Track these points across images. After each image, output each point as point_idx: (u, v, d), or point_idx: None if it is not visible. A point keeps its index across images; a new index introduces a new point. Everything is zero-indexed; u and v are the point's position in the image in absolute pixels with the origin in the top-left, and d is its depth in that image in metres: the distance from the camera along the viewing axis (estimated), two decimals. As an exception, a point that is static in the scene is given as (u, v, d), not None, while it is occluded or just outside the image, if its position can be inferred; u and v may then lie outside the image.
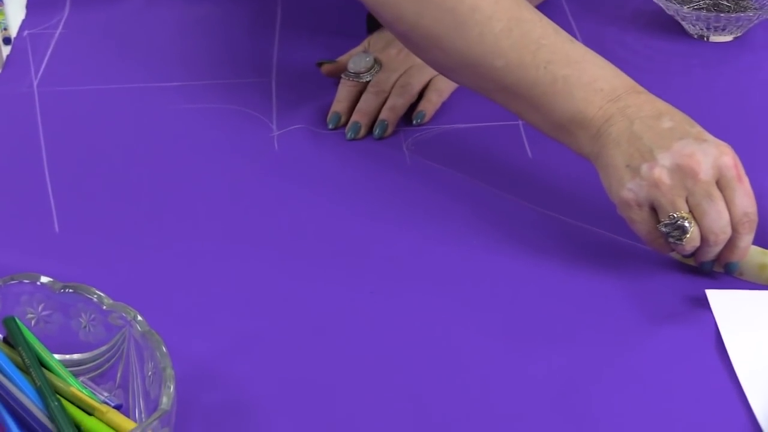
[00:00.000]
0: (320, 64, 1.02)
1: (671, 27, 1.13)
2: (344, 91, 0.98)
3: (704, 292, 0.78)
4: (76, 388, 0.64)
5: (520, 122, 0.96)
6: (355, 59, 0.99)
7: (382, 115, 0.95)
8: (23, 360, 0.64)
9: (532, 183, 0.90)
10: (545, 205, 0.87)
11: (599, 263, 0.81)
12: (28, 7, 1.16)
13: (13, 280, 0.67)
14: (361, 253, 0.82)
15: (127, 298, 0.67)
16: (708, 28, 1.10)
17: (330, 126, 0.95)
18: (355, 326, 0.76)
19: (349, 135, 0.94)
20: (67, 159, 0.92)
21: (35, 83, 1.02)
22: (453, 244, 0.83)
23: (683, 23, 1.11)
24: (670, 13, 1.11)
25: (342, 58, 1.02)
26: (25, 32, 1.11)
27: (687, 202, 0.75)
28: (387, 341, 0.75)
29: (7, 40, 1.10)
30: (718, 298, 0.77)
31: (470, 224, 0.85)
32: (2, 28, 1.12)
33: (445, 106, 0.98)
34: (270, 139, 0.94)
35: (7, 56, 1.07)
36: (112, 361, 0.67)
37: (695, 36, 1.11)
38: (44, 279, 0.68)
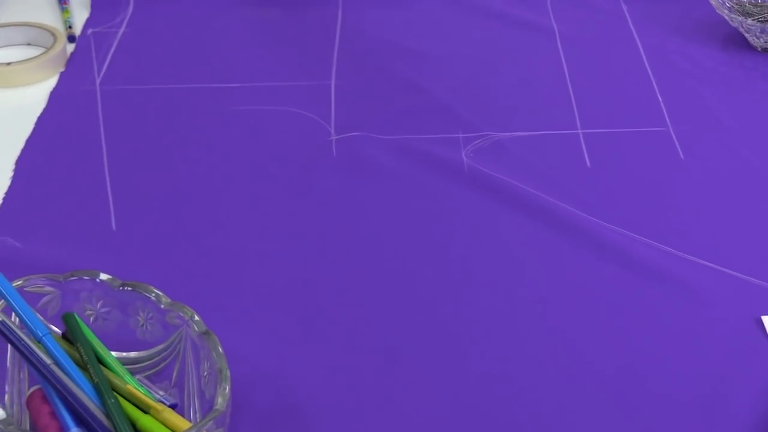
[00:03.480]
0: None
1: (735, 39, 1.12)
2: None
3: (760, 318, 0.77)
4: (132, 385, 0.65)
5: (580, 131, 0.96)
6: None
7: None
8: (81, 356, 0.65)
9: (591, 193, 0.89)
10: (603, 215, 0.86)
11: (656, 280, 0.81)
12: (92, 5, 1.17)
13: (72, 276, 0.68)
14: (416, 261, 0.82)
15: (184, 297, 0.68)
16: (772, 41, 1.08)
17: None
18: (410, 331, 0.76)
19: None
20: (127, 157, 0.93)
21: (98, 81, 1.03)
22: (505, 253, 0.83)
23: (747, 35, 1.10)
24: (734, 25, 1.10)
25: None
26: (89, 30, 1.13)
27: None
28: (440, 347, 0.75)
29: (71, 38, 1.11)
30: None
31: (523, 234, 0.85)
32: (67, 26, 1.13)
33: (503, 114, 0.98)
34: (328, 143, 0.95)
35: (71, 54, 1.08)
36: (169, 360, 0.67)
37: (759, 49, 1.10)
38: (104, 276, 0.68)
